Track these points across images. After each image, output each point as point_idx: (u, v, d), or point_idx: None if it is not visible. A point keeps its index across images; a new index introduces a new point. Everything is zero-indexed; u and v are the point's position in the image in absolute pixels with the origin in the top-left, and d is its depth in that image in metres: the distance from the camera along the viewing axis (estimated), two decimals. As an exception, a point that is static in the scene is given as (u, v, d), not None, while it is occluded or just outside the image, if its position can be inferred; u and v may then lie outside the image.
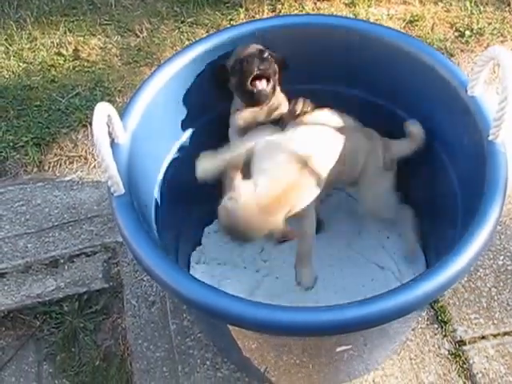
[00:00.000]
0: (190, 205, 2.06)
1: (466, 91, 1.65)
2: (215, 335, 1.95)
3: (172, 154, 1.91)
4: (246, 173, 1.73)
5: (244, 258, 2.18)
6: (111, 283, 2.26)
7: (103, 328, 2.18)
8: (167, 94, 1.79)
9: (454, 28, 3.09)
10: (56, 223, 2.44)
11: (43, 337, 2.16)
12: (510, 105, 1.42)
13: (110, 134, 1.54)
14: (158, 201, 1.82)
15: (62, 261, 2.33)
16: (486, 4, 3.21)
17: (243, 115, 1.93)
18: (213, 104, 1.99)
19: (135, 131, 1.65)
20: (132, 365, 2.05)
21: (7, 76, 2.99)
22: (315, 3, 3.28)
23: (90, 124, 2.64)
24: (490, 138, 1.52)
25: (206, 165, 1.80)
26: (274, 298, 2.01)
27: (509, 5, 3.20)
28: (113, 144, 1.59)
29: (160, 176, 1.84)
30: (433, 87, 1.78)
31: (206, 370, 2.02)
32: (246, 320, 1.34)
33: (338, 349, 1.62)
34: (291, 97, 1.97)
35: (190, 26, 3.20)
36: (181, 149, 1.94)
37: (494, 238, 2.25)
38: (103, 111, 1.41)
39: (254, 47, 1.85)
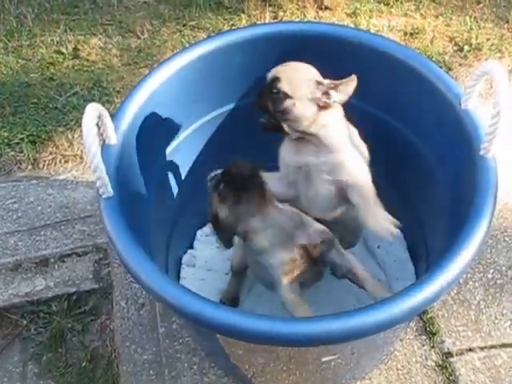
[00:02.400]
0: (181, 208, 2.06)
1: (460, 104, 1.66)
2: (203, 340, 1.95)
3: (164, 157, 1.90)
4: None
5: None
6: (101, 284, 2.25)
7: (91, 329, 2.17)
8: (161, 96, 1.79)
9: (453, 42, 3.11)
10: (48, 222, 2.43)
11: (30, 336, 2.15)
12: (502, 120, 1.43)
13: (101, 135, 1.54)
14: (149, 203, 1.81)
15: (52, 260, 2.31)
16: (486, 20, 3.23)
17: None
18: (207, 108, 2.00)
19: (127, 133, 1.65)
20: (119, 367, 2.04)
21: (5, 72, 2.99)
22: (317, 12, 3.30)
23: (86, 124, 2.67)
24: (482, 152, 1.53)
25: None
26: (263, 306, 2.02)
27: (507, 22, 3.22)
28: (103, 145, 1.58)
29: (152, 178, 1.84)
30: (427, 98, 1.78)
31: (193, 374, 2.01)
32: (233, 330, 1.33)
33: (325, 358, 1.61)
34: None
35: (191, 30, 3.21)
36: (173, 152, 1.94)
37: (483, 251, 2.26)
38: (94, 112, 1.41)
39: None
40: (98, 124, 1.44)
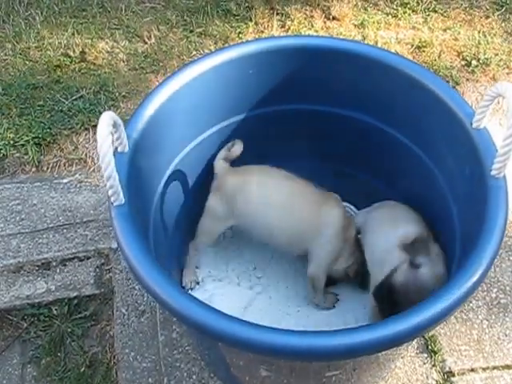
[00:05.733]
0: (187, 216, 2.06)
1: (471, 124, 1.65)
2: (204, 349, 1.94)
3: (173, 166, 1.90)
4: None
5: (238, 274, 2.17)
6: (102, 289, 2.25)
7: (91, 334, 2.16)
8: (173, 105, 1.78)
9: (460, 57, 3.10)
10: (51, 225, 2.43)
11: (29, 339, 2.15)
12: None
13: (113, 142, 1.53)
14: (157, 212, 1.81)
15: (54, 263, 2.31)
16: (494, 35, 3.22)
17: None
18: (218, 118, 2.00)
19: (139, 141, 1.65)
20: (118, 374, 2.04)
21: (12, 73, 2.99)
22: (324, 22, 3.30)
23: (92, 127, 2.67)
24: (493, 173, 1.52)
25: None
26: (265, 317, 2.01)
27: (516, 37, 3.22)
28: (115, 153, 1.58)
29: (160, 187, 1.84)
30: (438, 117, 1.78)
31: (192, 384, 2.01)
32: (236, 339, 1.33)
33: (328, 373, 1.61)
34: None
35: (198, 36, 3.20)
36: (182, 161, 1.93)
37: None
38: (109, 120, 1.40)
39: None
40: (111, 132, 1.43)
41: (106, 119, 1.39)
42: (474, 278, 1.38)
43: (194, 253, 2.12)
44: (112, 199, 1.48)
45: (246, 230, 2.02)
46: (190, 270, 2.14)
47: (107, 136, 1.37)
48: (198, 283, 2.15)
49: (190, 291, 2.11)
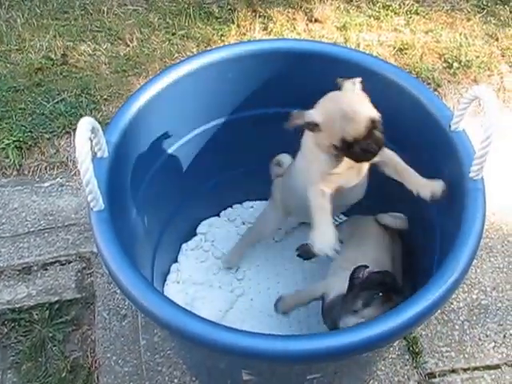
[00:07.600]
0: (168, 221, 2.05)
1: (450, 126, 1.66)
2: (185, 352, 1.93)
3: (154, 170, 1.89)
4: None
5: (219, 278, 2.17)
6: (83, 294, 2.23)
7: (72, 339, 2.14)
8: (152, 110, 1.77)
9: (442, 59, 3.12)
10: (32, 229, 2.41)
11: (10, 344, 2.12)
12: (491, 144, 1.43)
13: (92, 147, 1.53)
14: (138, 216, 1.80)
15: (35, 268, 2.30)
16: (475, 37, 3.24)
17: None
18: (197, 123, 1.99)
19: (119, 146, 1.64)
20: (99, 378, 2.03)
21: (-7, 76, 2.97)
22: (307, 24, 3.30)
23: (74, 131, 2.64)
24: (471, 175, 1.53)
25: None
26: (247, 320, 2.02)
27: (497, 40, 3.23)
28: (95, 158, 1.57)
29: (141, 192, 1.83)
30: (417, 119, 1.79)
31: (174, 388, 2.00)
32: (215, 344, 1.32)
33: (309, 376, 1.61)
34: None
35: (180, 39, 3.20)
36: (162, 166, 1.92)
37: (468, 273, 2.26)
38: (87, 125, 1.40)
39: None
40: (90, 138, 1.43)
41: (85, 125, 1.39)
42: (452, 279, 1.39)
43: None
44: (91, 205, 1.47)
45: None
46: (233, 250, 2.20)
47: (85, 142, 1.36)
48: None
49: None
